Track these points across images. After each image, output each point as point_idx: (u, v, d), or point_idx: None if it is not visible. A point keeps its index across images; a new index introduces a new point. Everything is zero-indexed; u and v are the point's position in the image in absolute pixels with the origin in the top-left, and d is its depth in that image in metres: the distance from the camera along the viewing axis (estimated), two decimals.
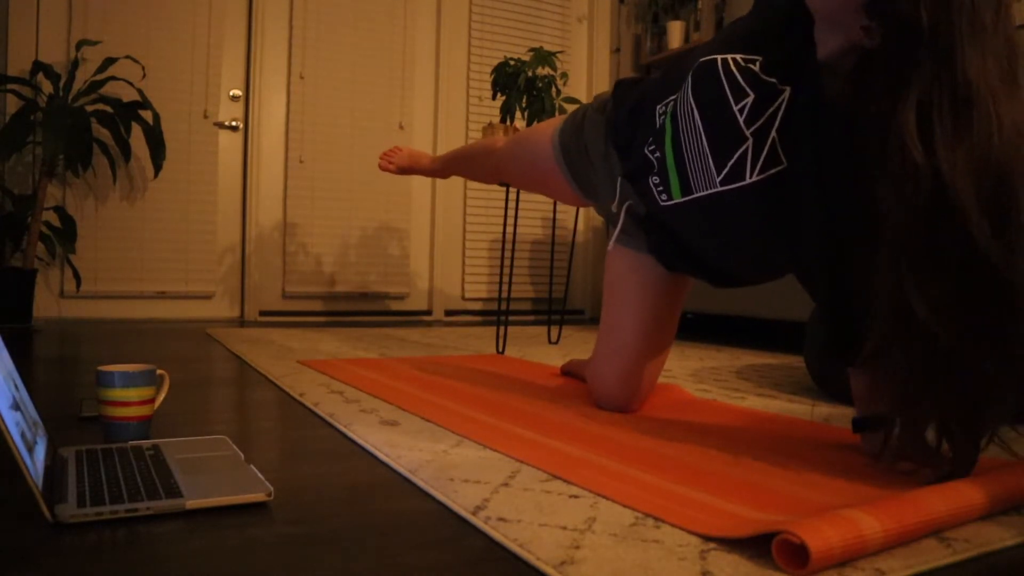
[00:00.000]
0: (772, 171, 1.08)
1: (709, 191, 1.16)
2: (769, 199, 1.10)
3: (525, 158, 1.64)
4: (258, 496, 0.82)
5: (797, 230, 1.10)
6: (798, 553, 0.68)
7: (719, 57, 1.12)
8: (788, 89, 1.05)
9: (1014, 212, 0.83)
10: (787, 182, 1.07)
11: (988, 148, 0.81)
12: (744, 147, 1.10)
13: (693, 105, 1.16)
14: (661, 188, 1.24)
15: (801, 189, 1.06)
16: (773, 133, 1.07)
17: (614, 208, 1.42)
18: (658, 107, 1.27)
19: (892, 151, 0.85)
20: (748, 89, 1.08)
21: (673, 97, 1.22)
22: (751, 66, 1.08)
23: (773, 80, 1.07)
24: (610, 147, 1.40)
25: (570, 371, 1.88)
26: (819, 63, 0.99)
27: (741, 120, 1.09)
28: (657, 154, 1.25)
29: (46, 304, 3.23)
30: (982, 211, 0.81)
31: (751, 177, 1.10)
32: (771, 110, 1.07)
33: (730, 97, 1.10)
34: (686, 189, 1.20)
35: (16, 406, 0.79)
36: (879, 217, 0.87)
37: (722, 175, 1.13)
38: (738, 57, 1.10)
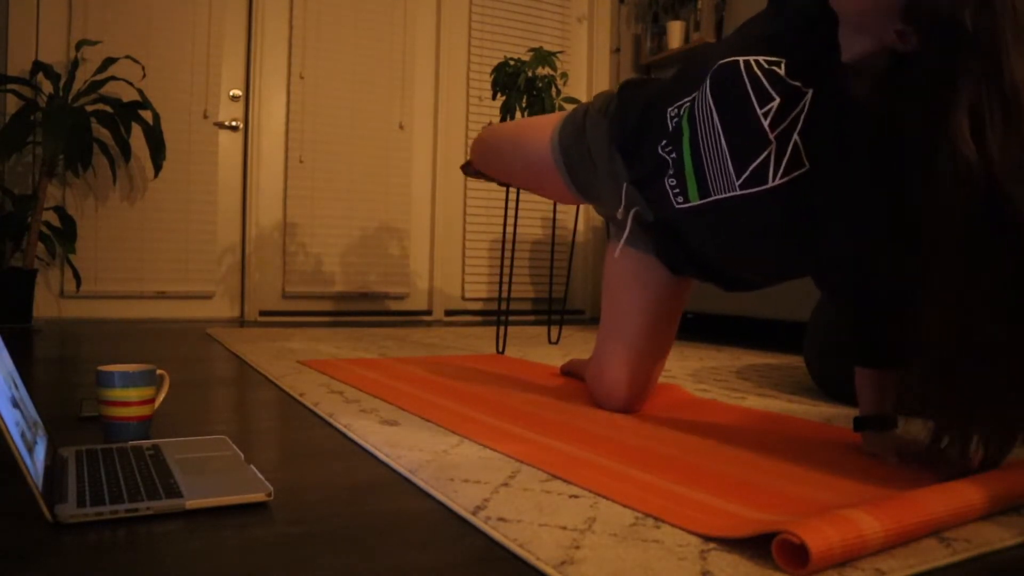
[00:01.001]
0: (794, 174, 1.07)
1: (728, 194, 1.14)
2: (790, 202, 1.09)
3: (514, 156, 1.59)
4: (258, 496, 0.82)
5: (817, 233, 1.09)
6: (798, 553, 0.68)
7: (740, 59, 1.10)
8: (811, 91, 1.04)
9: None
10: (809, 184, 1.06)
11: None
12: (767, 151, 1.08)
13: (712, 107, 1.14)
14: (678, 190, 1.22)
15: (823, 191, 1.05)
16: (795, 136, 1.06)
17: (619, 215, 1.40)
18: (670, 110, 1.24)
19: (943, 155, 0.83)
20: (773, 93, 1.06)
21: (687, 99, 1.20)
22: (775, 68, 1.06)
23: (798, 83, 1.05)
24: (615, 151, 1.37)
25: (570, 371, 1.88)
26: (843, 65, 0.98)
27: (766, 124, 1.07)
28: (673, 155, 1.22)
29: (46, 304, 3.23)
30: None
31: (774, 181, 1.08)
32: (795, 113, 1.06)
33: (754, 100, 1.08)
34: (704, 192, 1.18)
35: (16, 406, 0.79)
36: (927, 223, 0.86)
37: (742, 179, 1.12)
38: (761, 59, 1.08)
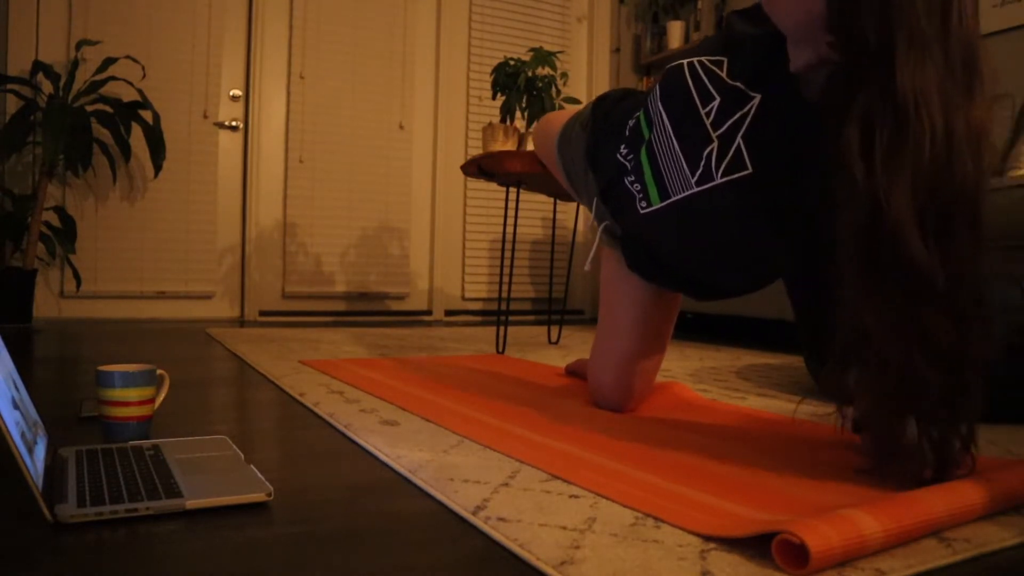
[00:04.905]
0: (737, 175, 1.07)
1: (686, 193, 1.15)
2: (741, 204, 1.09)
3: (544, 147, 1.64)
4: (258, 496, 0.82)
5: (772, 237, 1.10)
6: (798, 553, 0.68)
7: (684, 61, 1.13)
8: (759, 97, 1.05)
9: (954, 225, 0.83)
10: (758, 189, 1.07)
11: (921, 161, 0.81)
12: (710, 148, 1.10)
13: (662, 110, 1.16)
14: (641, 196, 1.24)
15: (773, 197, 1.06)
16: (739, 139, 1.06)
17: (589, 227, 1.43)
18: (630, 121, 1.27)
19: (839, 168, 0.86)
20: (714, 93, 1.08)
21: (642, 108, 1.23)
22: (716, 69, 1.08)
23: (739, 84, 1.06)
24: (587, 165, 1.41)
25: (575, 371, 1.88)
26: (792, 74, 0.99)
27: (708, 123, 1.09)
28: (632, 159, 1.24)
29: (46, 304, 3.23)
30: (920, 226, 0.82)
31: (717, 179, 1.10)
32: (738, 115, 1.06)
33: (696, 99, 1.10)
34: (664, 194, 1.19)
35: (16, 406, 0.79)
36: (834, 231, 0.89)
37: (696, 175, 1.13)
38: (704, 59, 1.10)
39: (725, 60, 1.08)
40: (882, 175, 0.82)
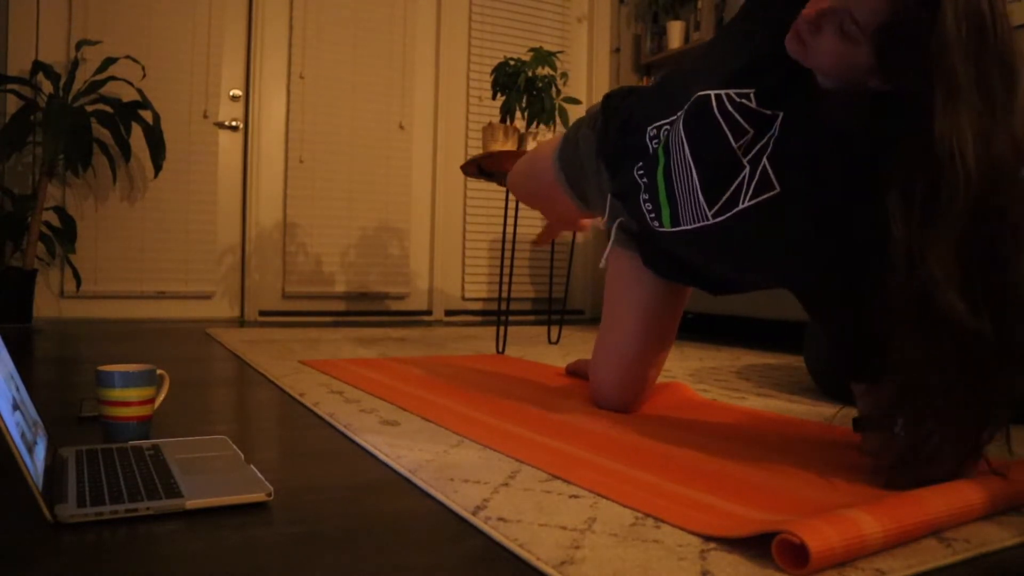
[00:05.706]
0: (764, 196, 1.07)
1: (699, 224, 1.15)
2: (761, 223, 1.09)
3: (532, 179, 1.64)
4: (258, 496, 0.82)
5: (792, 251, 1.10)
6: (798, 553, 0.67)
7: (712, 93, 1.10)
8: (780, 114, 1.04)
9: (997, 275, 0.83)
10: (780, 206, 1.06)
11: (959, 214, 0.81)
12: (741, 176, 1.09)
13: (684, 140, 1.15)
14: (653, 215, 1.24)
15: (795, 211, 1.05)
16: (764, 160, 1.06)
17: (603, 226, 1.44)
18: (649, 129, 1.25)
19: (887, 222, 0.86)
20: (747, 126, 1.07)
21: (666, 122, 1.21)
22: (745, 101, 1.07)
23: (768, 111, 1.06)
24: (600, 163, 1.40)
25: (575, 371, 1.88)
26: (815, 88, 0.99)
27: (739, 152, 1.08)
28: (646, 180, 1.24)
29: (46, 304, 3.23)
30: (962, 280, 0.82)
31: (743, 204, 1.09)
32: (766, 138, 1.06)
33: (729, 135, 1.08)
34: (675, 221, 1.20)
35: (16, 406, 0.79)
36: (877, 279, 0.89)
37: (715, 209, 1.12)
38: (732, 93, 1.08)
39: (753, 91, 1.06)
40: (917, 231, 0.82)
